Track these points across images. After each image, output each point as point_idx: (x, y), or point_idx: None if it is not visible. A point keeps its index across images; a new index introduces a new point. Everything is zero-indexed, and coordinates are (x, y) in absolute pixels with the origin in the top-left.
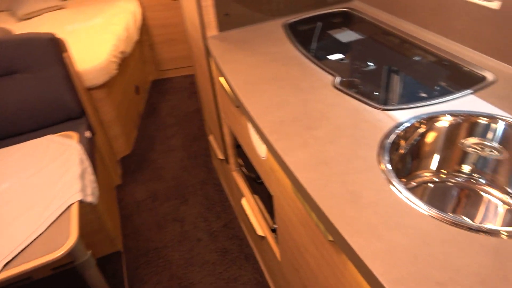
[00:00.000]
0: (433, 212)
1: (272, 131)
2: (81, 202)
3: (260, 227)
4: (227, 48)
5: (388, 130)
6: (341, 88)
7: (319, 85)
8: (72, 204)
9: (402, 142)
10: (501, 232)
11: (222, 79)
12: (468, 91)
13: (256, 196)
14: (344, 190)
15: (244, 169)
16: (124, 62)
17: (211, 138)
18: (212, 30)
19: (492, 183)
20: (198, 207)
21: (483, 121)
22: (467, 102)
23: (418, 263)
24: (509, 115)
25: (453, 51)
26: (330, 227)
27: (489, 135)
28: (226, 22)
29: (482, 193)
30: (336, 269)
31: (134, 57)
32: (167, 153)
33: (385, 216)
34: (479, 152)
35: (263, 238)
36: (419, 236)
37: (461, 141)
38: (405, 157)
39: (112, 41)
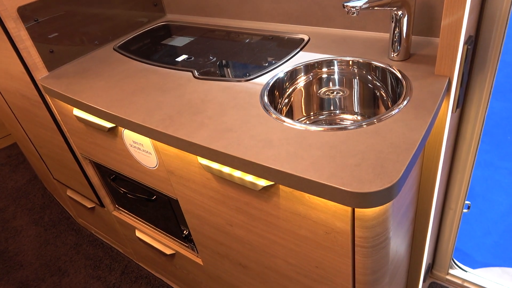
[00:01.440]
0: (324, 127)
1: (167, 126)
2: None
3: (166, 247)
4: (70, 81)
5: (260, 91)
6: (203, 77)
7: (183, 81)
8: None
9: (278, 99)
10: (363, 125)
11: (78, 111)
12: (298, 50)
13: (149, 223)
14: (256, 141)
15: (131, 195)
16: None
17: (69, 194)
18: (40, 71)
19: (345, 111)
20: (83, 271)
21: (325, 74)
22: (302, 57)
23: (336, 160)
24: (334, 55)
25: (270, 28)
26: (261, 172)
27: (332, 82)
28: (53, 59)
29: (340, 121)
30: (270, 217)
31: None
32: (16, 237)
33: (296, 144)
34: (330, 96)
35: (173, 256)
36: (326, 145)
37: (318, 92)
38: (282, 111)
39: None
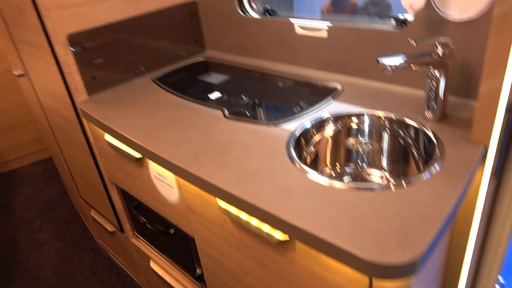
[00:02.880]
0: (349, 185)
1: (190, 164)
2: None
3: (179, 283)
4: (106, 107)
5: (287, 138)
6: (233, 117)
7: (213, 119)
8: None
9: (304, 147)
10: (390, 187)
11: (110, 137)
12: (329, 98)
13: (165, 256)
14: (277, 190)
15: (150, 226)
16: None
17: (92, 214)
18: (81, 95)
19: (373, 166)
20: None
21: (355, 124)
22: (332, 107)
23: (357, 222)
24: (365, 109)
25: (304, 74)
26: (277, 223)
27: (362, 134)
28: (94, 85)
29: (366, 175)
30: (284, 271)
31: None
32: (37, 249)
33: (316, 198)
34: (358, 148)
35: None
36: (348, 204)
37: (345, 142)
38: (307, 159)
39: None
